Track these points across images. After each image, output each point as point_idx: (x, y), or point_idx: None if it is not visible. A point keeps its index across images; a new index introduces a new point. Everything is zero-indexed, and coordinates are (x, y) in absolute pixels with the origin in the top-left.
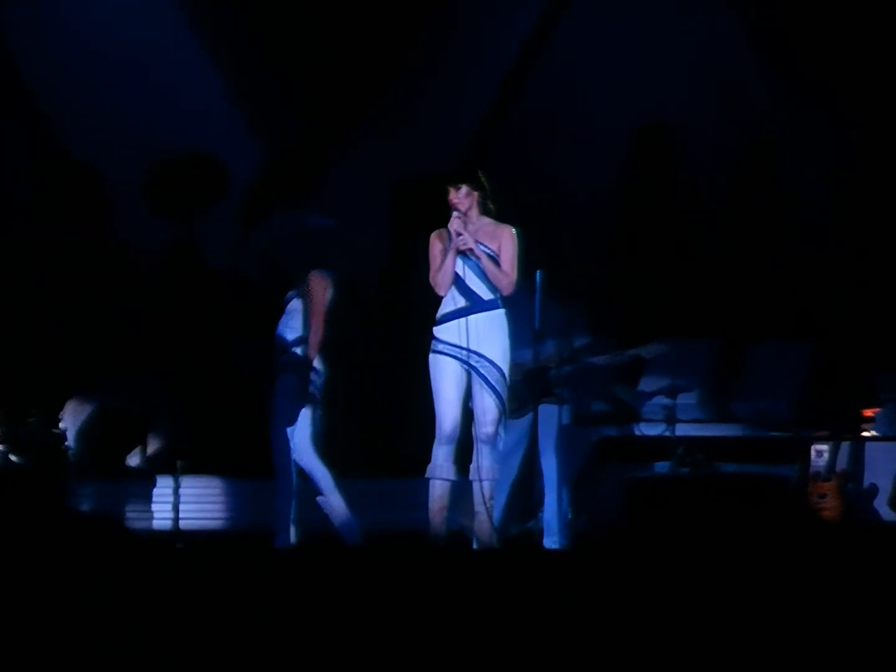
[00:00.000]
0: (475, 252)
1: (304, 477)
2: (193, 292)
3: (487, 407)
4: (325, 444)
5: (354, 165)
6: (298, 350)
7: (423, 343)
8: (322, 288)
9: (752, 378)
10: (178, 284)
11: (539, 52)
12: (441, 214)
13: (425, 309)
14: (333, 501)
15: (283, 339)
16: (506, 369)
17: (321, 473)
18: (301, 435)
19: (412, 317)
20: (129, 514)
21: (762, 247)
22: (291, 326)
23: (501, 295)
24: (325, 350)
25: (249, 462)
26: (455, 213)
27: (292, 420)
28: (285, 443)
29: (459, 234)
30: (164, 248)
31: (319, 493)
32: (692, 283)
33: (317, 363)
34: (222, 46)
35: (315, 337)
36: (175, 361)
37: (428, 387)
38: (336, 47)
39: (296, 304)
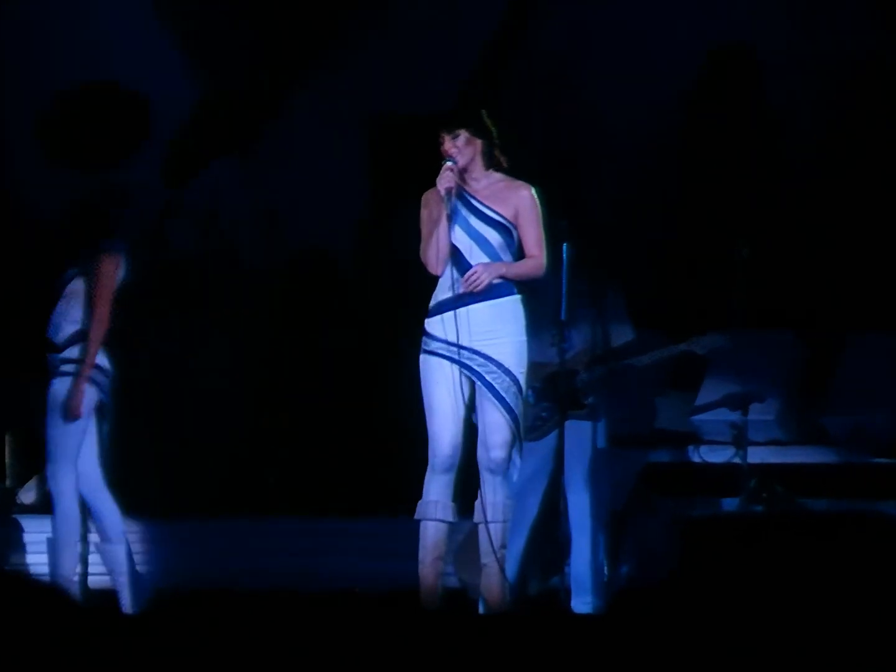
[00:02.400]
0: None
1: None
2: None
3: (495, 425)
4: (283, 473)
5: (320, 102)
6: (79, 347)
7: (414, 340)
8: (113, 267)
9: (850, 384)
10: (86, 259)
11: None
12: (436, 166)
13: (419, 293)
14: (120, 552)
15: (60, 333)
16: (520, 375)
17: (111, 512)
18: (87, 460)
19: (402, 304)
20: (19, 568)
21: (865, 207)
22: (71, 316)
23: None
24: (112, 344)
25: (186, 497)
26: (446, 164)
27: (75, 441)
28: (66, 473)
29: (450, 190)
30: (69, 209)
31: (104, 538)
32: (770, 254)
33: (101, 360)
34: None
35: (99, 328)
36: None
37: (420, 398)
38: None
39: (77, 286)
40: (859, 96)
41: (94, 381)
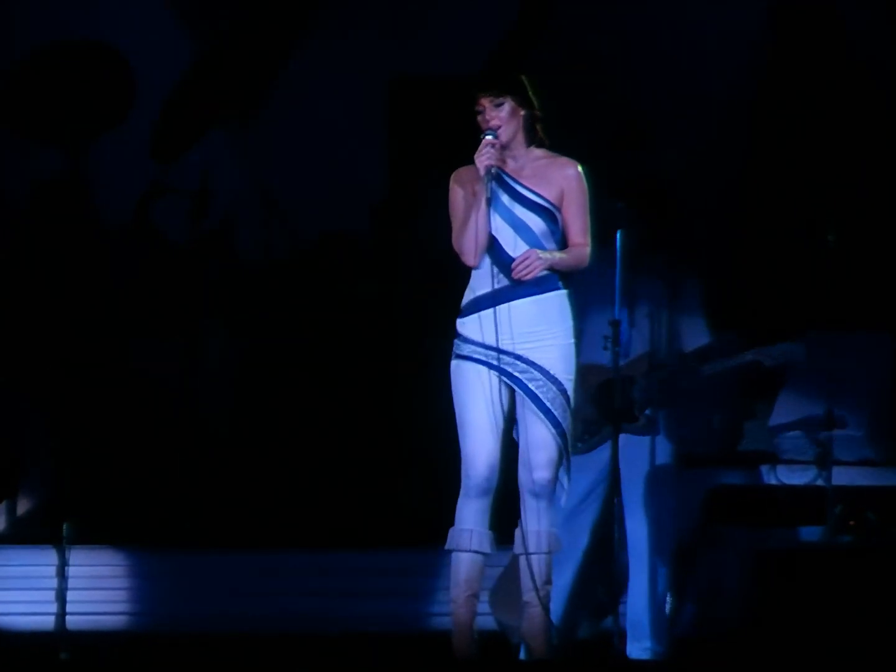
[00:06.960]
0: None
1: None
2: (79, 260)
3: (540, 441)
4: (286, 498)
5: (331, 64)
6: None
7: (444, 340)
8: None
9: None
10: (55, 247)
11: None
12: (467, 137)
13: (449, 284)
14: None
15: None
16: (568, 383)
17: None
18: None
19: (429, 298)
20: None
21: None
22: None
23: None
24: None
25: (172, 526)
26: (486, 135)
27: None
28: None
29: (491, 168)
30: (36, 189)
31: None
32: (861, 241)
33: None
34: None
35: None
36: (52, 369)
37: (451, 410)
38: None
39: None
40: None
41: None
